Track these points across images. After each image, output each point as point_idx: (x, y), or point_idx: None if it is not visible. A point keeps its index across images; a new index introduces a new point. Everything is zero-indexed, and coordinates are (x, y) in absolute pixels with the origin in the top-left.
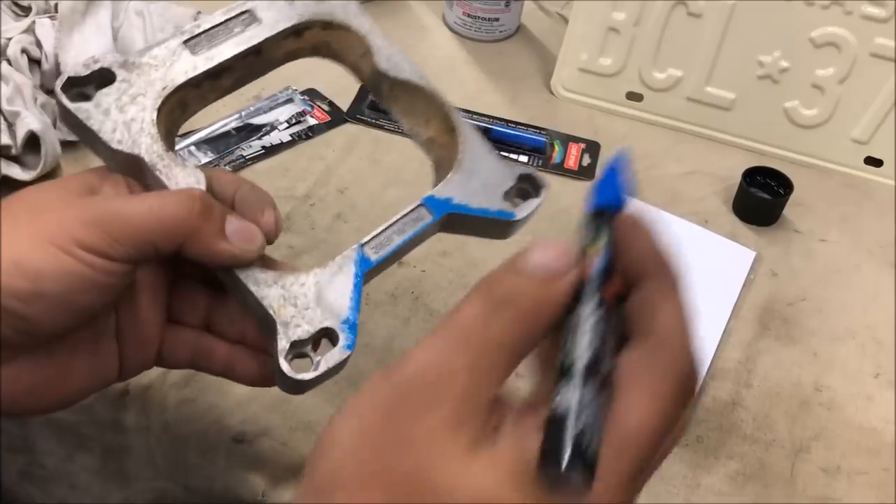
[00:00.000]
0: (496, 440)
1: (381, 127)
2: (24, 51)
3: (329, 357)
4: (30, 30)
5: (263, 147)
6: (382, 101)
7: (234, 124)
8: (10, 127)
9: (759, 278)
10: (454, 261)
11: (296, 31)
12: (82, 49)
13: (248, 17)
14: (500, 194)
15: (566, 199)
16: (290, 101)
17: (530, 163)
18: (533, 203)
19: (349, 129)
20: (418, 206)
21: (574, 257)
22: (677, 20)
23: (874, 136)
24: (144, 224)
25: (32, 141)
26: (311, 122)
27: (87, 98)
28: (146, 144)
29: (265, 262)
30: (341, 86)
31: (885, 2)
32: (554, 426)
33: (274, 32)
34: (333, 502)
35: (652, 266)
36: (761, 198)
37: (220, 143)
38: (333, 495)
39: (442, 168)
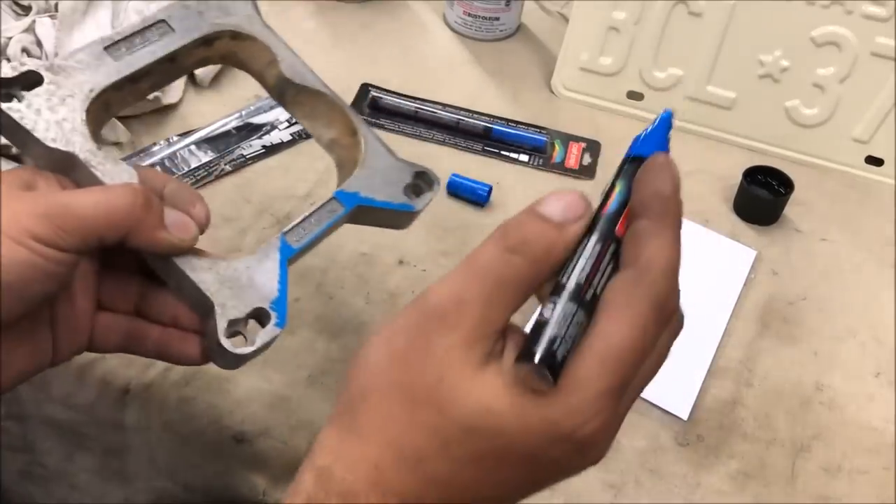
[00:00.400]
0: (501, 359)
1: (380, 126)
2: (24, 50)
3: (264, 333)
4: (30, 29)
5: (264, 146)
6: (287, 106)
7: (234, 123)
8: None
9: (759, 277)
10: (454, 260)
11: (206, 40)
12: None
13: (163, 27)
14: (400, 189)
15: None
16: None
17: (531, 162)
18: (428, 196)
19: None
20: (331, 199)
21: (585, 206)
22: (678, 19)
23: (875, 135)
24: (92, 216)
25: None
26: None
27: (14, 99)
28: (79, 142)
29: (196, 252)
30: (341, 85)
31: (886, 1)
32: (534, 330)
33: (186, 42)
34: (363, 409)
35: (652, 205)
36: (762, 197)
37: (220, 142)
38: (364, 404)
39: (344, 167)
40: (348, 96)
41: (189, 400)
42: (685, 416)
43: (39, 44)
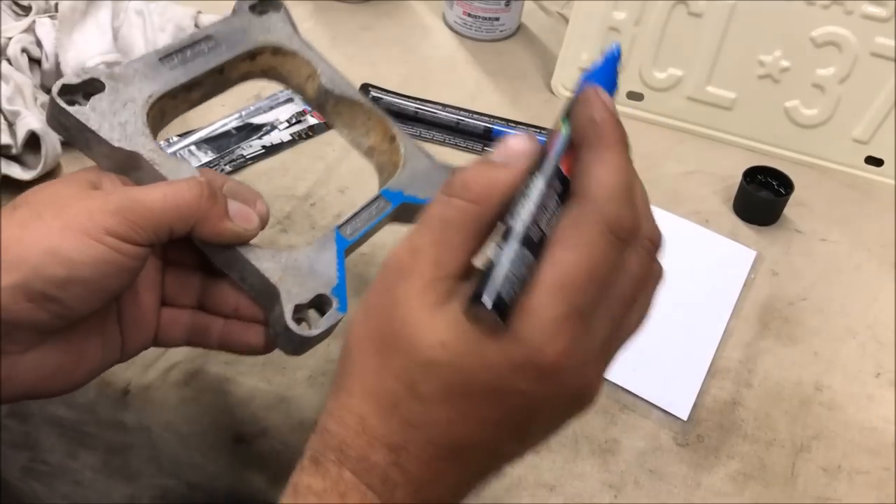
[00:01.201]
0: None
1: None
2: (24, 50)
3: (328, 317)
4: (30, 29)
5: (263, 147)
6: (326, 115)
7: (234, 124)
8: (11, 126)
9: (759, 278)
10: None
11: (250, 55)
12: (83, 48)
13: (211, 42)
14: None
15: None
16: (290, 100)
17: None
18: None
19: None
20: (378, 197)
21: (528, 144)
22: (678, 19)
23: (875, 135)
24: (162, 209)
25: (33, 140)
26: (312, 121)
27: (77, 104)
28: (142, 142)
29: (256, 245)
30: None
31: (886, 1)
32: (483, 274)
33: (233, 55)
34: (348, 367)
35: (588, 134)
36: (762, 197)
37: (220, 142)
38: (348, 361)
39: (384, 171)
40: None
41: (189, 400)
42: (685, 417)
43: (39, 44)
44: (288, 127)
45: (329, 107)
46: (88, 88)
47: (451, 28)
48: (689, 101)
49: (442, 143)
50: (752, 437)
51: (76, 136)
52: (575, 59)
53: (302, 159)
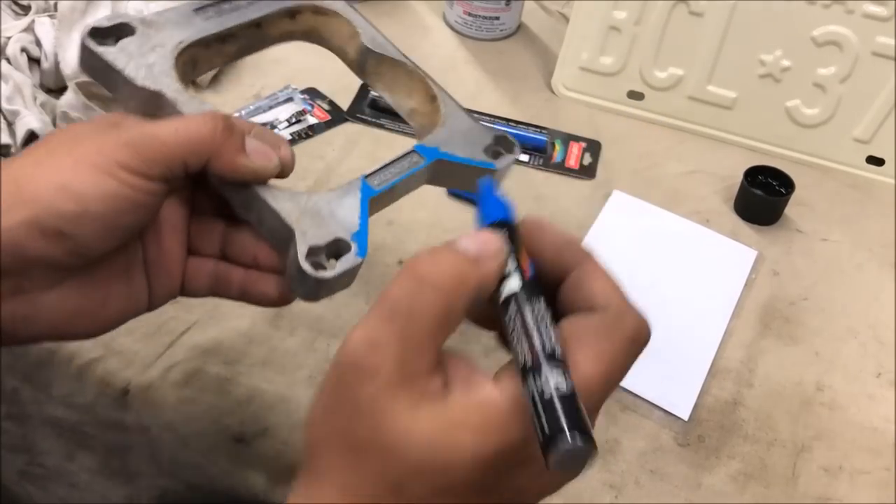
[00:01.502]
0: (447, 395)
1: (381, 126)
2: (23, 49)
3: (344, 260)
4: (29, 29)
5: None
6: (367, 77)
7: None
8: (10, 126)
9: (760, 278)
10: None
11: (290, 13)
12: None
13: None
14: (480, 149)
15: (567, 198)
16: (290, 99)
17: (531, 162)
18: (508, 158)
19: (349, 128)
20: (411, 151)
21: (501, 245)
22: (678, 19)
23: (876, 135)
24: (175, 143)
25: (32, 140)
26: (312, 120)
27: (106, 45)
28: (167, 83)
29: (277, 186)
30: (341, 85)
31: (887, 1)
32: (549, 408)
33: (272, 10)
34: (315, 459)
35: (567, 255)
36: (763, 197)
37: None
38: (314, 454)
39: (424, 134)
40: (348, 96)
41: (189, 400)
42: (686, 417)
43: (38, 43)
44: (288, 126)
45: (370, 67)
46: (119, 32)
47: (451, 27)
48: (690, 101)
49: None
50: (752, 437)
51: (104, 78)
52: (575, 58)
53: (302, 159)
